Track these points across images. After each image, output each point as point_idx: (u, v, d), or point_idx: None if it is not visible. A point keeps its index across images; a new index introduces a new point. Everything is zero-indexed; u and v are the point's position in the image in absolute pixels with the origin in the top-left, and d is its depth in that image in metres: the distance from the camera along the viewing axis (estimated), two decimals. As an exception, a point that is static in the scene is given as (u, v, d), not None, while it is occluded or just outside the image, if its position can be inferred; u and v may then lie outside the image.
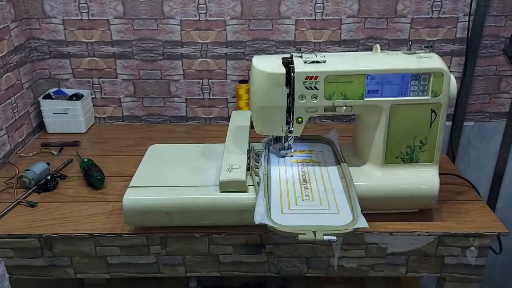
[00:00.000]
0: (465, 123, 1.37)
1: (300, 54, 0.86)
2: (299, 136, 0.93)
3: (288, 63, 0.85)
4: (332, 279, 1.39)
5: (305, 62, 0.84)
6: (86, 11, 1.25)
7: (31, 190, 1.01)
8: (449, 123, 1.35)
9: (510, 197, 1.46)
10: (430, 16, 1.25)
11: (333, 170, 0.92)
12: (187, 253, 0.90)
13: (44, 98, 1.28)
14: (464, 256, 0.89)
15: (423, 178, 0.87)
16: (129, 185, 0.87)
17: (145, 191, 0.86)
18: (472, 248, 0.89)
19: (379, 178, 0.88)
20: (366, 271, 0.92)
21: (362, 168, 0.91)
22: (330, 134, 1.04)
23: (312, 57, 0.85)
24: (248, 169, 0.89)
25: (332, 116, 1.36)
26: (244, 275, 0.93)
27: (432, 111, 0.84)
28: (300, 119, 0.87)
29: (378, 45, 0.90)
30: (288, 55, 0.87)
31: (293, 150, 0.99)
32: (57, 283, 1.30)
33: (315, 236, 0.73)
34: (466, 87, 1.31)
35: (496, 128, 1.38)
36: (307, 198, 0.84)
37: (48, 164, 1.08)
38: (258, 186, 0.85)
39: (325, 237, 0.73)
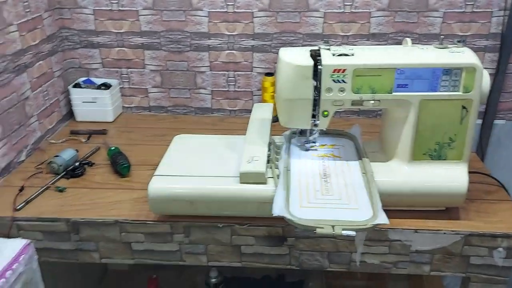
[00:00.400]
0: (496, 121, 1.33)
1: (328, 47, 0.85)
2: (324, 130, 0.92)
3: (315, 56, 0.84)
4: (352, 275, 1.38)
5: (333, 55, 0.83)
6: (116, 1, 1.27)
7: (60, 176, 1.04)
8: (479, 121, 1.31)
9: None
10: (463, 10, 1.21)
11: (354, 165, 0.91)
12: (209, 243, 0.91)
13: (74, 87, 1.31)
14: (491, 256, 0.87)
15: (451, 176, 0.85)
16: (155, 174, 0.89)
17: (170, 179, 0.87)
18: (500, 249, 0.86)
19: (405, 174, 0.87)
20: (389, 268, 0.91)
21: (388, 164, 0.90)
22: (353, 129, 1.03)
23: (340, 49, 0.84)
24: (268, 161, 0.89)
25: (358, 111, 1.35)
26: (264, 267, 0.93)
27: (463, 107, 0.82)
28: (326, 113, 0.87)
29: (408, 39, 0.88)
30: (316, 48, 0.86)
31: (317, 144, 0.98)
32: (81, 269, 1.33)
33: (333, 231, 0.73)
34: (499, 84, 1.27)
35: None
36: (326, 192, 0.83)
37: (77, 151, 1.10)
38: (278, 178, 0.85)
39: (344, 232, 0.72)
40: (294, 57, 0.84)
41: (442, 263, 0.89)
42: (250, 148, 0.91)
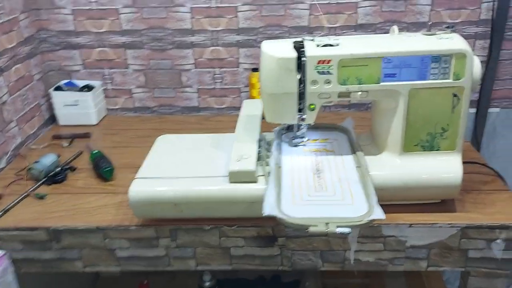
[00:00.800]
0: (491, 110, 1.30)
1: (312, 38, 0.82)
2: (312, 124, 0.89)
3: (299, 48, 0.80)
4: (349, 273, 1.35)
5: (317, 46, 0.80)
6: (95, 0, 1.23)
7: (40, 182, 1.00)
8: (474, 110, 1.28)
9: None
10: (452, -4, 1.18)
11: (348, 159, 0.88)
12: (197, 246, 0.88)
13: (55, 89, 1.27)
14: (490, 249, 0.84)
15: (445, 167, 0.82)
16: (136, 176, 0.85)
17: (152, 182, 0.84)
18: (498, 240, 0.83)
19: (398, 167, 0.83)
20: (385, 265, 0.88)
21: (379, 157, 0.86)
22: (345, 122, 1.00)
23: (324, 40, 0.81)
24: (258, 159, 0.86)
25: (349, 105, 1.31)
26: (257, 268, 0.90)
27: (454, 95, 0.79)
28: (312, 106, 0.83)
29: (395, 27, 0.85)
30: (299, 39, 0.83)
31: (306, 139, 0.95)
32: (71, 277, 1.30)
33: (327, 228, 0.69)
34: (491, 72, 1.24)
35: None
36: (320, 189, 0.80)
37: (58, 156, 1.07)
38: (269, 176, 0.82)
39: (338, 229, 0.69)
40: (277, 50, 0.80)
41: (439, 258, 0.86)
42: (239, 146, 0.88)
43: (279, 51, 0.80)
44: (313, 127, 0.97)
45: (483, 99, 1.27)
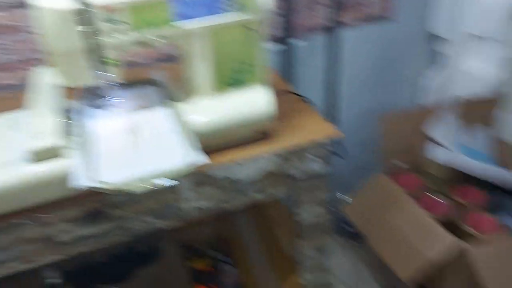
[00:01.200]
0: (294, 41, 1.39)
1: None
2: (119, 81, 0.82)
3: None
4: (200, 223, 1.37)
5: (100, -8, 0.71)
6: None
7: None
8: (282, 46, 1.36)
9: (348, 107, 1.57)
10: None
11: (164, 112, 0.84)
12: (18, 244, 0.77)
13: None
14: (309, 167, 0.92)
15: (256, 100, 0.85)
16: None
17: None
18: (314, 157, 0.91)
19: (212, 109, 0.83)
20: (225, 207, 0.89)
21: (194, 103, 0.85)
22: (156, 75, 0.95)
23: (107, -14, 0.73)
24: (64, 132, 0.76)
25: (166, 58, 1.26)
26: (94, 248, 0.83)
27: (249, 28, 0.80)
28: (112, 61, 0.76)
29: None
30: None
31: (116, 98, 0.87)
32: None
33: (150, 186, 0.66)
34: (290, 5, 1.31)
35: (323, 41, 1.43)
36: (137, 148, 0.75)
37: None
38: (77, 147, 0.74)
39: (161, 183, 0.67)
40: (51, 0, 0.69)
41: (270, 187, 0.91)
42: (36, 121, 0.76)
43: (54, 1, 0.69)
44: (123, 85, 0.90)
45: (286, 32, 1.35)
